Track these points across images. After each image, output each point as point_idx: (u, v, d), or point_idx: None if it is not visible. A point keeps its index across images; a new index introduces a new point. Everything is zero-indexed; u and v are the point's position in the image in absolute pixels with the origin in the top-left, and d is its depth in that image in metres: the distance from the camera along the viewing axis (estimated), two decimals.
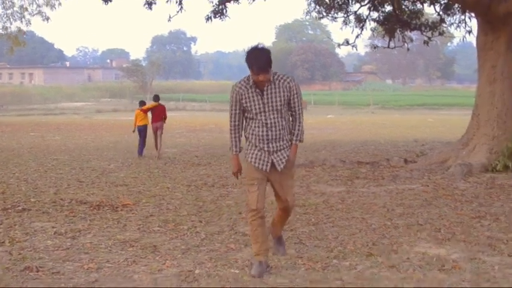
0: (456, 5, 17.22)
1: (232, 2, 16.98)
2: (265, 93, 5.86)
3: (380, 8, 18.25)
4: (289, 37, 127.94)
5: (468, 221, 8.25)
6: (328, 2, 18.44)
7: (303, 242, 7.10)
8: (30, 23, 37.58)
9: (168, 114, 18.44)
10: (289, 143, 6.03)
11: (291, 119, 6.09)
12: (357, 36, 19.24)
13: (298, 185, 11.06)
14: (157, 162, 15.92)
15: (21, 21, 33.90)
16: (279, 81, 5.91)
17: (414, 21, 17.74)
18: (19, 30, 33.63)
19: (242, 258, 6.41)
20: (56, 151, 19.14)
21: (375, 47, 22.47)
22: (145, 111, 17.80)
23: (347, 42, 19.56)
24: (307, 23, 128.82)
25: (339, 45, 20.20)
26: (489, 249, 6.76)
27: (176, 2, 16.44)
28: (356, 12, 18.95)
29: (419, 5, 18.08)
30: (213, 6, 16.93)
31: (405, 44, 19.21)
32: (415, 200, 9.89)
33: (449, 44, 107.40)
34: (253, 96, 5.89)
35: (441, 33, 18.43)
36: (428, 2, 17.70)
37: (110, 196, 10.41)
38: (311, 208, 9.19)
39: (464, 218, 8.41)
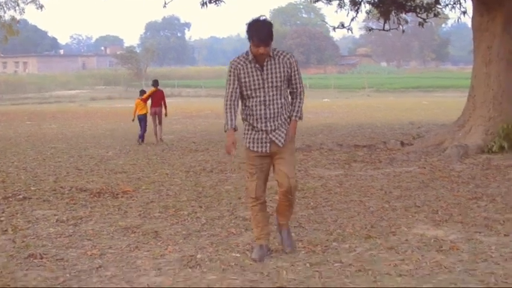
0: None
1: None
2: (264, 68, 5.70)
3: None
4: (283, 21, 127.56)
5: (465, 202, 8.35)
6: None
7: (303, 226, 7.18)
8: (24, 12, 37.51)
9: None
10: (288, 120, 5.84)
11: (290, 96, 5.93)
12: (352, 19, 18.95)
13: (296, 169, 11.10)
14: (155, 148, 15.99)
15: (15, 10, 33.88)
16: (279, 56, 5.74)
17: (409, 3, 17.71)
18: (13, 18, 33.59)
19: (243, 243, 6.49)
20: (53, 139, 19.19)
21: (370, 30, 22.41)
22: (145, 100, 17.96)
23: (342, 26, 19.48)
24: (301, 7, 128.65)
25: (334, 28, 20.08)
26: (486, 230, 6.85)
27: None
28: None
29: None
30: None
31: (400, 26, 19.19)
32: (412, 182, 9.98)
33: (443, 25, 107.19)
34: (252, 72, 5.70)
35: (436, 15, 18.40)
36: None
37: (109, 183, 10.48)
38: (310, 192, 9.27)
39: (461, 200, 8.50)
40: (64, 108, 42.42)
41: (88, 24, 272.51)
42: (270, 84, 5.70)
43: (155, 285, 5.26)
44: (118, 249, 6.35)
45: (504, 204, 8.12)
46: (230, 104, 5.76)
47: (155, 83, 18.30)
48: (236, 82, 5.75)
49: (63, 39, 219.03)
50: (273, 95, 5.72)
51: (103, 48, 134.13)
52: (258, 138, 5.79)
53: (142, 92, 18.69)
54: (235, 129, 5.74)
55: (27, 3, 35.14)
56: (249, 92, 5.76)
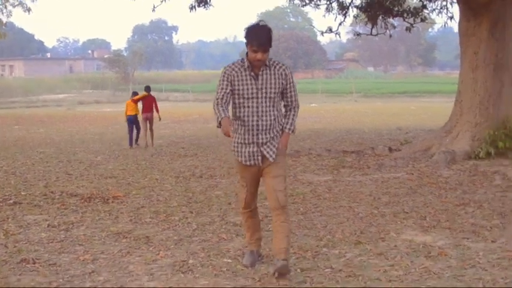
0: None
1: None
2: (260, 77, 5.50)
3: None
4: (271, 25, 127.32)
5: (452, 208, 8.45)
6: None
7: (293, 232, 7.23)
8: (11, 15, 37.44)
9: None
10: (280, 133, 5.62)
11: (284, 109, 5.74)
12: (340, 24, 19.05)
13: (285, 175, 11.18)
14: (144, 153, 16.02)
15: (2, 13, 33.80)
16: (275, 67, 5.56)
17: (396, 8, 17.83)
18: None
19: (234, 248, 6.56)
20: (42, 144, 19.19)
21: (358, 35, 22.50)
22: (135, 102, 18.16)
23: (330, 30, 19.58)
24: (288, 10, 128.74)
25: (322, 33, 20.19)
26: (473, 236, 6.96)
27: None
28: None
29: None
30: None
31: (388, 31, 19.30)
32: (400, 188, 10.08)
33: (430, 29, 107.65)
34: (246, 80, 5.50)
35: (423, 20, 18.51)
36: None
37: (100, 188, 10.51)
38: (299, 197, 9.35)
39: (449, 206, 8.60)
40: (52, 112, 42.29)
41: (74, 27, 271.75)
42: (264, 95, 5.51)
43: None
44: (110, 255, 6.39)
45: (491, 211, 8.23)
46: (221, 103, 5.44)
47: (148, 88, 18.47)
48: (229, 87, 5.51)
49: (50, 43, 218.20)
50: (266, 106, 5.52)
51: (90, 51, 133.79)
52: (249, 151, 5.58)
53: (134, 94, 18.84)
54: (228, 117, 5.37)
55: (14, 6, 35.07)
56: (241, 101, 5.54)
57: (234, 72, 5.52)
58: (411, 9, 18.10)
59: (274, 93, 5.53)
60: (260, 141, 5.54)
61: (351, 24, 65.59)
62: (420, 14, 18.06)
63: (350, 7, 18.78)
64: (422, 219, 7.83)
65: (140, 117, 18.14)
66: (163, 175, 12.04)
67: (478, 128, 12.94)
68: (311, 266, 5.91)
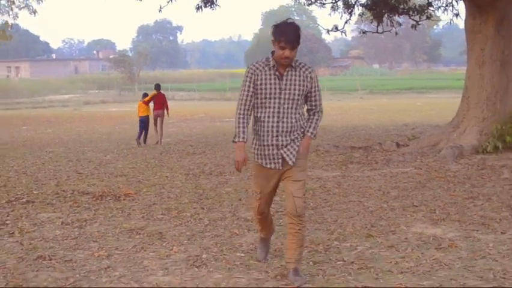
0: None
1: None
2: (284, 77, 5.28)
3: None
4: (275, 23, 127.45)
5: (461, 201, 8.52)
6: None
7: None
8: (17, 17, 37.67)
9: None
10: (301, 136, 5.38)
11: (307, 113, 5.49)
12: (346, 22, 19.09)
13: None
14: (152, 152, 16.11)
15: (9, 15, 33.95)
16: (300, 69, 5.36)
17: (402, 6, 17.87)
18: (5, 23, 33.65)
19: (246, 243, 6.64)
20: (50, 144, 19.30)
21: (364, 32, 22.54)
22: (147, 103, 18.53)
23: (336, 28, 19.62)
24: (293, 9, 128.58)
25: (328, 31, 20.23)
26: (483, 228, 7.03)
27: None
28: None
29: None
30: None
31: (393, 29, 19.33)
32: (409, 182, 10.16)
33: (434, 26, 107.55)
34: (270, 79, 5.27)
35: (428, 17, 18.56)
36: None
37: (111, 186, 10.60)
38: (309, 193, 9.40)
39: (458, 199, 8.68)
40: (58, 112, 42.46)
41: (79, 28, 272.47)
42: (287, 96, 5.27)
43: (164, 284, 5.39)
44: (124, 250, 6.48)
45: (500, 203, 8.30)
46: (243, 112, 5.32)
47: (157, 86, 18.84)
48: (252, 88, 5.31)
49: (55, 44, 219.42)
50: (288, 107, 5.28)
51: (95, 52, 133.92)
52: (268, 154, 5.36)
53: (145, 95, 19.08)
54: (245, 141, 5.31)
55: (20, 8, 35.24)
56: (263, 101, 5.32)
57: (257, 71, 5.32)
58: (417, 6, 18.14)
59: (298, 95, 5.30)
60: (280, 143, 5.31)
61: (356, 22, 65.57)
62: (425, 11, 18.10)
63: (355, 5, 18.83)
64: (431, 212, 7.90)
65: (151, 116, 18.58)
66: (172, 173, 12.13)
67: (485, 123, 13.02)
68: (323, 258, 5.99)
